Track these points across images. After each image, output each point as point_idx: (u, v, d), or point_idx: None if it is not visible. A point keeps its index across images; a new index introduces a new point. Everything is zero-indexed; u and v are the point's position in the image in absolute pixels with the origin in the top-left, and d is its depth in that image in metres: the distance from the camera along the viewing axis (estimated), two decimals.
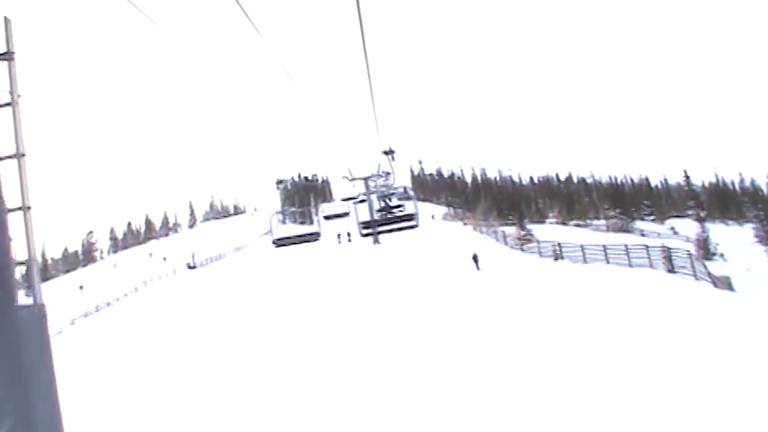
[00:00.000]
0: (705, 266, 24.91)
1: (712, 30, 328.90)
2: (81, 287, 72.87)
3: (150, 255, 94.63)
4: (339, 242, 56.45)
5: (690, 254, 27.42)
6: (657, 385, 11.01)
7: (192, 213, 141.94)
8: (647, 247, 28.76)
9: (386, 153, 21.24)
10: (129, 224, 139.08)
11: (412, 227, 19.57)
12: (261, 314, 27.90)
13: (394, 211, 22.45)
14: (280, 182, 23.07)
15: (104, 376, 21.68)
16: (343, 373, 15.62)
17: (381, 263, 37.56)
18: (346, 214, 46.79)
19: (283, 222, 24.91)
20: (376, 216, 22.25)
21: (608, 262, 31.10)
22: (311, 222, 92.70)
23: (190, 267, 64.10)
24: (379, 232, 21.77)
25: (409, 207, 19.93)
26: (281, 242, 20.99)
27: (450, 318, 20.95)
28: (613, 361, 13.04)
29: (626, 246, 30.49)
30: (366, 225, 20.21)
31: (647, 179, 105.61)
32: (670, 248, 27.19)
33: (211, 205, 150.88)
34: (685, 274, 25.24)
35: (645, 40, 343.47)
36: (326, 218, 54.81)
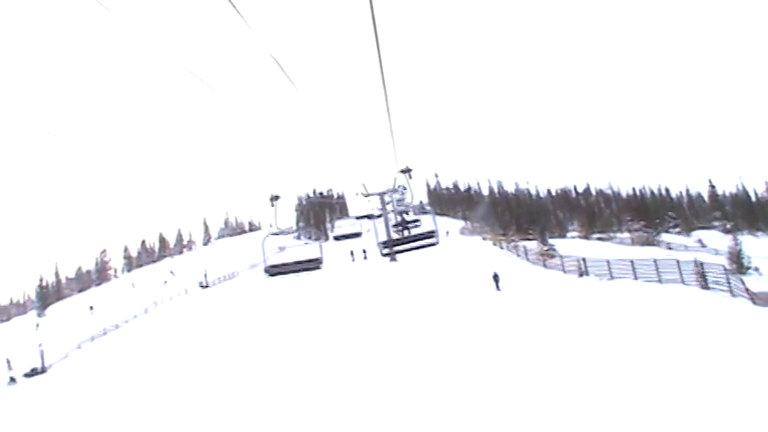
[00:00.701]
0: (743, 282, 23.63)
1: (736, 37, 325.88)
2: (91, 308, 72.36)
3: (172, 272, 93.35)
4: (353, 260, 55.24)
5: (725, 269, 26.15)
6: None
7: (206, 230, 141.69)
8: (678, 261, 27.45)
9: (403, 171, 20.11)
10: (144, 242, 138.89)
11: (432, 244, 18.13)
12: (270, 339, 27.26)
13: (411, 227, 22.76)
14: (275, 198, 20.65)
15: (106, 408, 20.97)
16: (354, 405, 14.72)
17: (397, 284, 36.43)
18: (358, 234, 44.72)
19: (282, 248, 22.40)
20: (393, 232, 22.81)
21: (636, 278, 29.83)
22: (326, 234, 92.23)
23: (202, 287, 63.39)
24: (399, 251, 20.01)
25: (428, 223, 18.59)
26: (274, 271, 18.37)
27: (467, 347, 19.84)
28: (650, 398, 11.92)
29: (655, 261, 29.20)
30: (385, 245, 18.95)
31: (667, 189, 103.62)
32: (703, 263, 25.90)
33: (226, 222, 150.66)
34: (721, 290, 24.03)
35: (666, 49, 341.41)
36: (337, 238, 53.04)
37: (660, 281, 27.97)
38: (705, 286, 24.81)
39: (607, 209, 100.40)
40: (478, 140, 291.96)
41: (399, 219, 24.27)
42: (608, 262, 32.51)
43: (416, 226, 24.23)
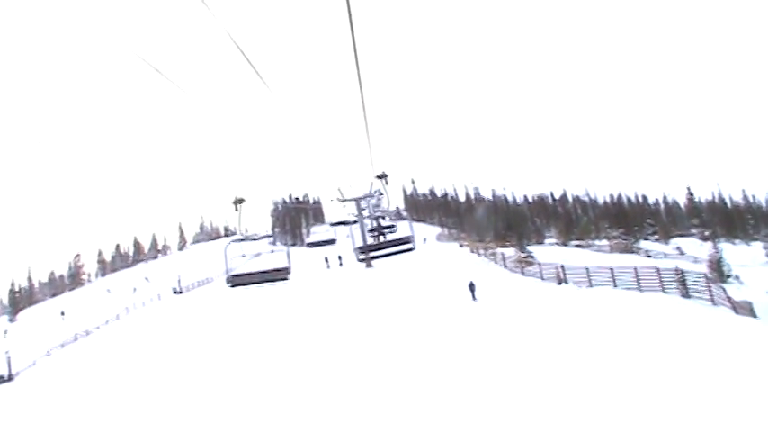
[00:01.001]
0: (724, 290, 23.31)
1: (712, 44, 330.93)
2: (62, 313, 70.64)
3: (147, 279, 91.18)
4: (328, 266, 54.27)
5: (707, 277, 25.89)
6: None
7: (181, 235, 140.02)
8: (658, 269, 27.12)
9: (379, 177, 18.54)
10: (118, 247, 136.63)
11: (409, 250, 17.48)
12: (237, 347, 26.26)
13: (387, 233, 21.34)
14: (239, 201, 18.93)
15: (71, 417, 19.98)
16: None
17: (372, 292, 35.46)
18: (333, 242, 44.77)
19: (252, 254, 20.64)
20: (369, 237, 20.76)
21: (616, 285, 29.47)
22: (302, 239, 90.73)
23: (176, 292, 62.18)
24: (375, 257, 19.15)
25: (404, 229, 18.00)
26: (237, 281, 17.19)
27: (442, 360, 19.11)
28: (631, 408, 11.37)
29: (635, 269, 28.86)
30: (362, 250, 18.15)
31: (644, 197, 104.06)
32: (684, 271, 25.58)
33: (201, 227, 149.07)
34: (702, 298, 23.71)
35: (640, 55, 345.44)
36: (310, 246, 52.66)
37: (640, 289, 27.63)
38: (686, 294, 24.47)
39: (584, 215, 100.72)
40: (455, 147, 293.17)
41: (375, 224, 22.25)
42: (587, 270, 32.17)
43: (392, 231, 22.04)
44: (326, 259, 54.69)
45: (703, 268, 41.48)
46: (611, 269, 30.48)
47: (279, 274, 15.43)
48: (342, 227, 45.58)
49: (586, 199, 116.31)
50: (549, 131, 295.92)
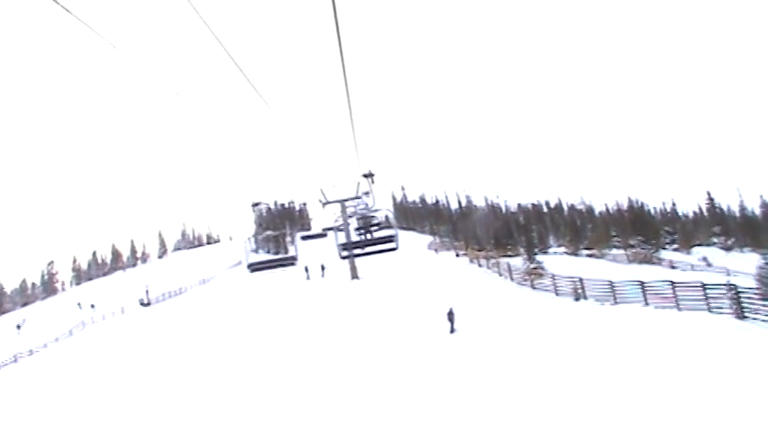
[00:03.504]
0: None
1: (727, 43, 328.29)
2: (18, 326, 66.14)
3: (79, 305, 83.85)
4: (308, 278, 49.55)
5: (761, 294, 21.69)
6: None
7: (161, 243, 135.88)
8: (703, 285, 22.81)
9: (365, 176, 21.72)
10: (95, 254, 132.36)
11: (392, 249, 19.19)
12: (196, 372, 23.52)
13: (373, 230, 23.89)
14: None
15: None
16: None
17: (354, 313, 30.81)
18: (324, 235, 44.52)
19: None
20: (355, 236, 24.01)
21: (647, 303, 25.22)
22: (285, 248, 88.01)
23: (143, 305, 57.95)
24: (358, 255, 21.85)
25: (389, 229, 20.84)
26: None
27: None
28: None
29: (672, 282, 24.55)
30: (344, 247, 20.48)
31: (663, 203, 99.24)
32: (737, 287, 21.28)
33: (183, 234, 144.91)
34: (758, 320, 19.58)
35: (656, 56, 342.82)
36: (304, 238, 51.69)
37: (678, 307, 23.41)
38: (741, 315, 20.25)
39: (590, 223, 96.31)
40: (445, 153, 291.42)
41: (361, 223, 25.07)
42: (611, 283, 27.88)
43: (379, 229, 24.81)
44: (306, 269, 49.80)
45: (743, 282, 37.09)
46: (642, 283, 26.18)
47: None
48: (331, 233, 42.42)
49: (599, 206, 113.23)
50: (546, 137, 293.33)
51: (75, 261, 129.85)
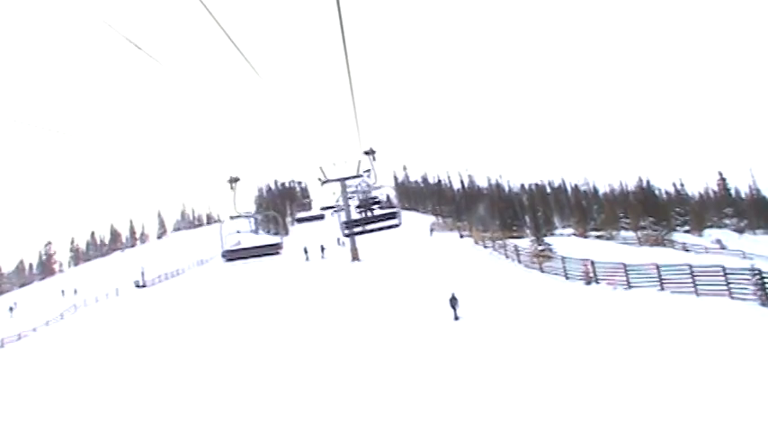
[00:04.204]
0: None
1: (743, 17, 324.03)
2: (11, 309, 65.27)
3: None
4: (307, 259, 48.24)
5: None
6: None
7: (161, 223, 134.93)
8: (724, 269, 21.63)
9: (367, 153, 21.88)
10: (93, 234, 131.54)
11: (394, 225, 19.51)
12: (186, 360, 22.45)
13: (374, 208, 24.01)
14: (234, 180, 18.98)
15: None
16: None
17: (353, 298, 29.57)
18: (321, 217, 42.61)
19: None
20: (356, 214, 25.06)
21: (663, 288, 24.09)
22: (287, 230, 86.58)
23: (138, 286, 57.04)
24: (360, 233, 21.76)
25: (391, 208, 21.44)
26: (232, 256, 19.32)
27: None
28: None
29: (690, 266, 23.37)
30: (347, 225, 21.06)
31: (674, 184, 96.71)
32: (763, 272, 20.11)
33: (183, 214, 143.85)
34: None
35: (667, 37, 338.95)
36: (299, 221, 50.28)
37: (697, 293, 22.28)
38: (766, 302, 19.13)
39: (596, 203, 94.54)
40: (449, 133, 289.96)
41: (362, 201, 25.45)
42: (624, 266, 26.72)
43: (380, 207, 25.04)
44: (306, 250, 48.61)
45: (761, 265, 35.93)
46: (657, 266, 25.02)
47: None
48: (330, 212, 41.34)
49: (602, 186, 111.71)
50: (548, 116, 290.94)
51: (73, 242, 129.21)
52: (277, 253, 19.29)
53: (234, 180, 17.84)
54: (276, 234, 68.70)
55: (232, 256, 19.02)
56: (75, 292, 68.40)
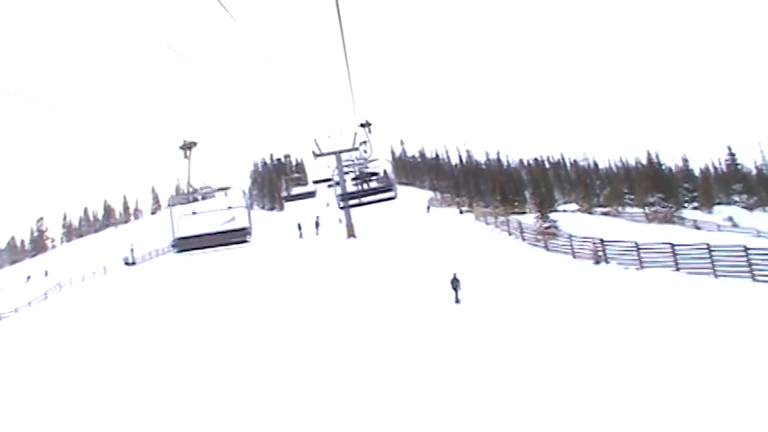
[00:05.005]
0: None
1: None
2: None
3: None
4: (301, 236, 46.55)
5: None
6: None
7: (155, 198, 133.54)
8: (746, 248, 20.35)
9: (362, 125, 21.56)
10: (86, 210, 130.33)
11: (390, 198, 19.06)
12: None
13: (371, 180, 24.49)
14: (188, 146, 14.01)
15: None
16: None
17: (349, 278, 27.95)
18: (313, 194, 40.22)
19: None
20: (352, 187, 24.07)
21: (678, 268, 22.84)
22: (272, 207, 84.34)
23: (127, 264, 55.78)
24: (356, 205, 21.59)
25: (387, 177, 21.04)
26: (185, 246, 15.05)
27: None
28: None
29: (708, 246, 22.09)
30: (343, 198, 20.49)
31: (683, 159, 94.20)
32: None
33: (177, 189, 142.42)
34: None
35: (651, 8, 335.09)
36: (287, 199, 47.15)
37: (715, 273, 21.06)
38: None
39: (598, 179, 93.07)
40: (446, 107, 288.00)
41: (359, 174, 25.79)
42: (636, 245, 25.43)
43: (377, 181, 25.05)
44: (300, 226, 47.06)
45: None
46: (672, 246, 23.73)
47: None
48: (325, 185, 39.71)
49: (601, 161, 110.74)
50: (546, 90, 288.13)
51: (65, 217, 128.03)
52: (246, 241, 15.10)
53: (189, 146, 13.24)
54: (272, 209, 67.41)
55: (187, 246, 14.97)
56: (46, 274, 67.19)
